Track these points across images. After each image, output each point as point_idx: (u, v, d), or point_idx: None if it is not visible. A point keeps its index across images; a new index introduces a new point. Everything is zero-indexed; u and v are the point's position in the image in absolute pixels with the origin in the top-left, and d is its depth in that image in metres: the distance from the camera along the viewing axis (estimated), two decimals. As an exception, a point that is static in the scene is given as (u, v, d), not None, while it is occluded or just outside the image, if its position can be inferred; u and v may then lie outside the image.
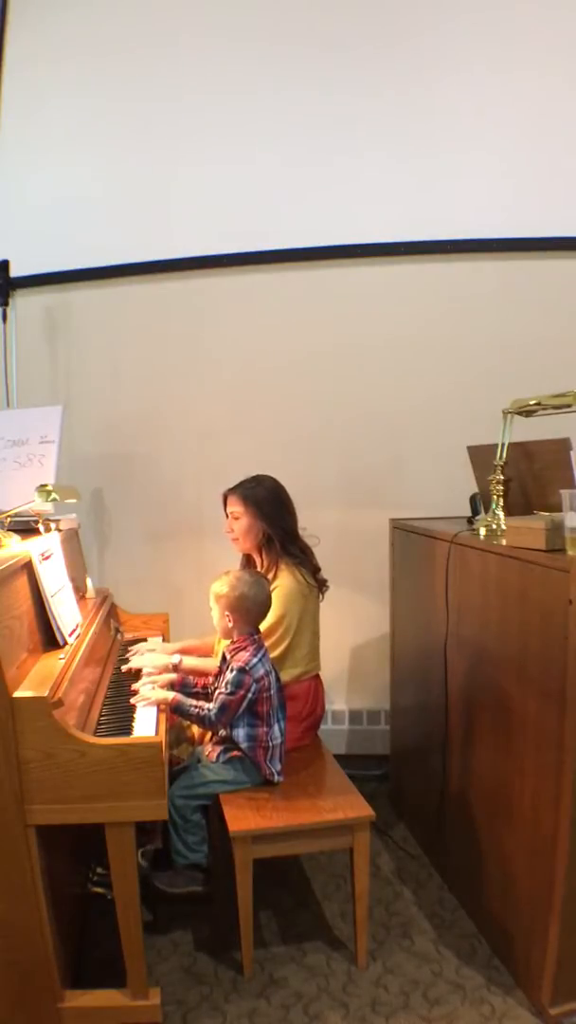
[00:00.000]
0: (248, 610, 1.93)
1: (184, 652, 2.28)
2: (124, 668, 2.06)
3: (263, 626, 2.02)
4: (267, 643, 2.02)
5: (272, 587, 2.06)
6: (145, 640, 2.36)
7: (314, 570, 2.20)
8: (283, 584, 2.10)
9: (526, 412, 1.88)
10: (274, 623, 2.06)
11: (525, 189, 2.66)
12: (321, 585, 2.20)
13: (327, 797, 1.88)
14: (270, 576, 2.12)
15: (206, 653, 2.30)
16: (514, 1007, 1.68)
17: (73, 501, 2.11)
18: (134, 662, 2.10)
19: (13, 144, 2.92)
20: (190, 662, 2.14)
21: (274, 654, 2.04)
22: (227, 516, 2.24)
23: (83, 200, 2.86)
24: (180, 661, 2.11)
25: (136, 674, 2.03)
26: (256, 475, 2.24)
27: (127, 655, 2.23)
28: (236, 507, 2.19)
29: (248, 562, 2.30)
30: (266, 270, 2.80)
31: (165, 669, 2.06)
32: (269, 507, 2.17)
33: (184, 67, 2.79)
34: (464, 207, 2.69)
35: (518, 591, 1.70)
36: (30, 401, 2.80)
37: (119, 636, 2.42)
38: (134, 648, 2.26)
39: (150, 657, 2.13)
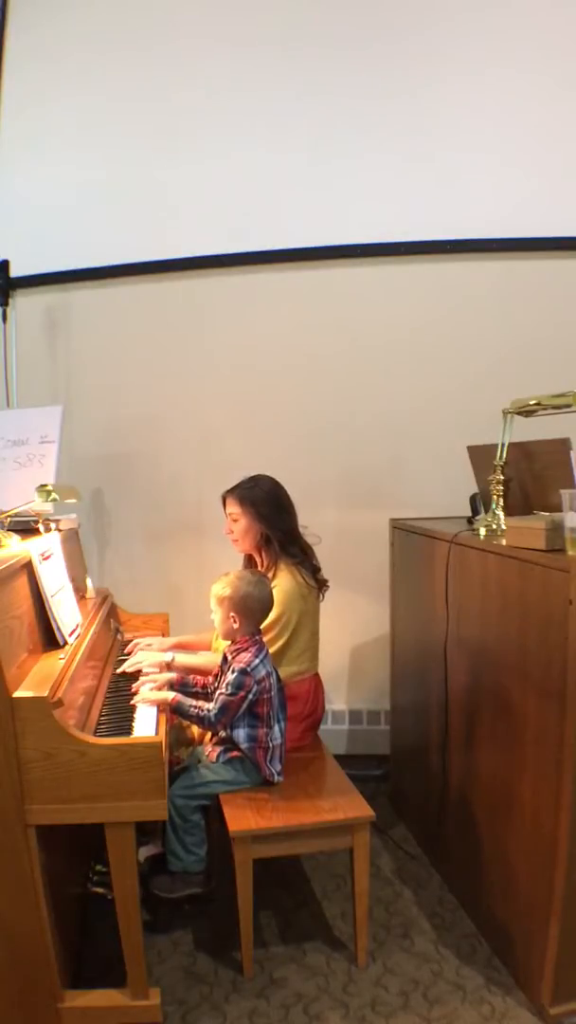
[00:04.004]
0: (253, 610, 1.93)
1: (181, 647, 2.28)
2: (118, 671, 2.05)
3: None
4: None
5: (271, 587, 2.07)
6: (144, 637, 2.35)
7: (314, 570, 2.20)
8: (282, 584, 2.10)
9: (526, 412, 1.88)
10: (271, 622, 2.06)
11: (525, 189, 2.66)
12: (321, 585, 2.20)
13: (327, 797, 1.88)
14: (269, 576, 2.12)
15: (203, 648, 2.30)
16: (514, 1007, 1.68)
17: (73, 501, 2.11)
18: (128, 664, 2.09)
19: (13, 144, 2.92)
20: (183, 659, 2.15)
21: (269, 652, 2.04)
22: (226, 517, 2.24)
23: (83, 200, 2.86)
24: (173, 659, 2.11)
25: (136, 674, 2.03)
26: (254, 476, 2.23)
27: (125, 651, 2.24)
28: (234, 508, 2.19)
29: (250, 562, 2.30)
30: (266, 270, 2.80)
31: (160, 666, 2.06)
32: (267, 508, 2.17)
33: (184, 67, 2.79)
34: (464, 207, 2.68)
35: (518, 591, 1.70)
36: (30, 401, 2.80)
37: (119, 636, 2.42)
38: (132, 645, 2.27)
39: (144, 655, 2.13)
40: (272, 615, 2.04)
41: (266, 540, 2.18)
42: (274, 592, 2.05)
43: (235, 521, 2.20)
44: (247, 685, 1.85)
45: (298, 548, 2.19)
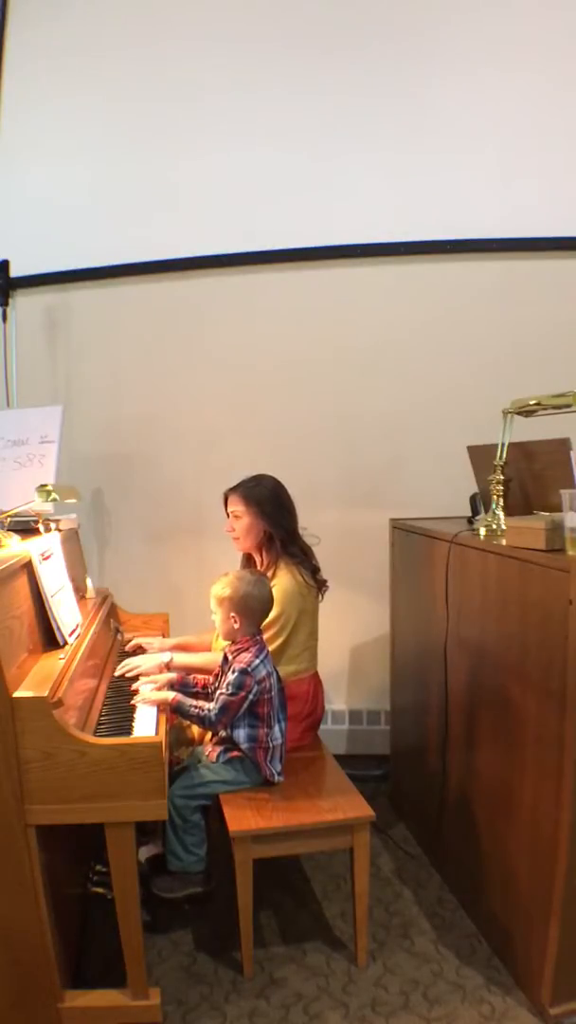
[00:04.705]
0: (253, 609, 1.93)
1: (181, 648, 2.28)
2: (117, 674, 2.04)
3: None
4: None
5: (271, 586, 2.06)
6: (146, 652, 2.29)
7: (313, 570, 2.20)
8: (281, 583, 2.10)
9: (526, 412, 1.88)
10: (270, 621, 2.06)
11: (525, 189, 2.66)
12: (320, 585, 2.20)
13: (327, 797, 1.88)
14: (269, 575, 2.12)
15: (204, 649, 2.30)
16: (514, 1007, 1.68)
17: (73, 501, 2.11)
18: (124, 666, 2.08)
19: (13, 144, 2.92)
20: (182, 659, 2.15)
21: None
22: (228, 516, 2.24)
23: (83, 200, 2.86)
24: (171, 660, 2.11)
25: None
26: (257, 475, 2.24)
27: (126, 649, 2.23)
28: (237, 506, 2.19)
29: (248, 561, 2.30)
30: (266, 270, 2.80)
31: (159, 667, 2.06)
32: (270, 506, 2.17)
33: (183, 66, 2.79)
34: (464, 207, 2.68)
35: (518, 591, 1.70)
36: (30, 401, 2.80)
37: (119, 636, 2.42)
38: (133, 645, 2.27)
39: (142, 658, 2.12)
40: (271, 614, 2.04)
41: (268, 539, 2.18)
42: (274, 590, 2.05)
43: (237, 519, 2.20)
44: (248, 685, 1.85)
45: (298, 548, 2.19)
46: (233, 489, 2.22)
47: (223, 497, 2.25)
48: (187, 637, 2.41)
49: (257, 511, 2.17)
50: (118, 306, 2.89)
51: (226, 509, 2.24)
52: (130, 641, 2.34)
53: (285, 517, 2.19)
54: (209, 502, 2.54)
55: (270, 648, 2.03)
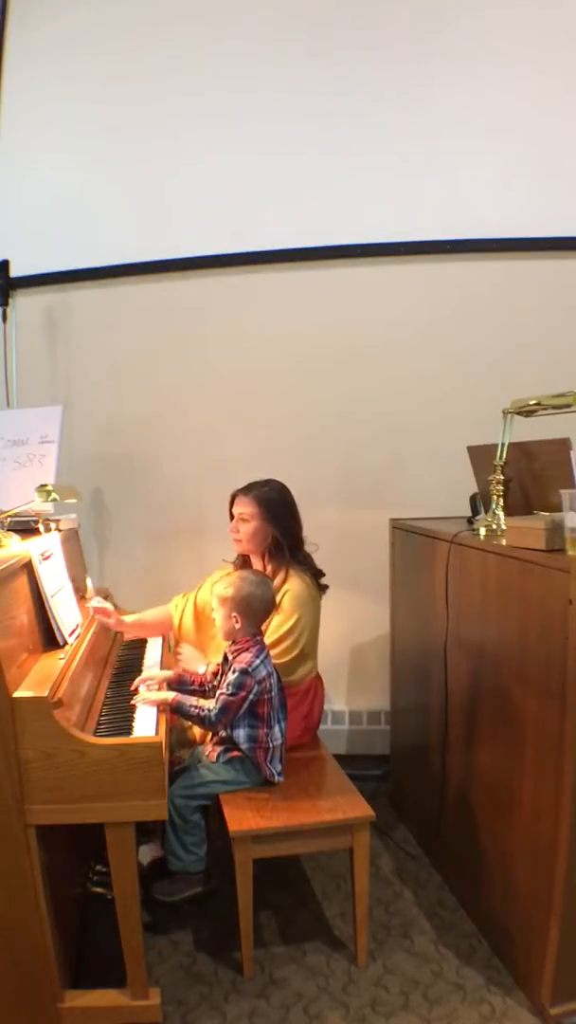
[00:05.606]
0: (255, 610, 1.92)
1: (140, 625, 2.34)
2: (132, 688, 2.01)
3: (275, 631, 2.02)
4: (279, 648, 2.03)
5: (282, 592, 2.06)
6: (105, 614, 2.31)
7: (318, 575, 2.19)
8: (294, 589, 2.09)
9: (526, 412, 1.88)
10: (289, 628, 2.05)
11: (526, 189, 2.66)
12: (322, 590, 2.20)
13: (327, 797, 1.88)
14: (279, 580, 2.10)
15: (165, 624, 2.36)
16: (514, 1007, 1.68)
17: (73, 501, 2.11)
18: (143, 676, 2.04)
19: (13, 144, 2.92)
20: (131, 619, 2.29)
21: (286, 658, 2.04)
22: (232, 517, 2.21)
23: (83, 200, 2.86)
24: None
25: (136, 674, 2.02)
26: (266, 478, 2.22)
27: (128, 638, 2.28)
28: (247, 508, 2.16)
29: (245, 563, 2.29)
30: (266, 270, 2.80)
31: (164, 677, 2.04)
32: (279, 510, 2.15)
33: (183, 67, 2.79)
34: (464, 207, 2.68)
35: (518, 591, 1.70)
36: (30, 401, 2.80)
37: (119, 636, 2.42)
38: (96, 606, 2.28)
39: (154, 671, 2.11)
40: (288, 622, 2.04)
41: (275, 544, 2.16)
42: (287, 596, 2.05)
43: (244, 521, 2.17)
44: (248, 685, 1.85)
45: (303, 554, 2.18)
46: (244, 490, 2.19)
47: (230, 497, 2.22)
48: (145, 612, 2.41)
49: (266, 514, 2.14)
50: (118, 306, 2.89)
51: (231, 510, 2.22)
52: (131, 644, 2.33)
53: (293, 523, 2.18)
54: (209, 502, 2.54)
55: (288, 658, 2.03)
